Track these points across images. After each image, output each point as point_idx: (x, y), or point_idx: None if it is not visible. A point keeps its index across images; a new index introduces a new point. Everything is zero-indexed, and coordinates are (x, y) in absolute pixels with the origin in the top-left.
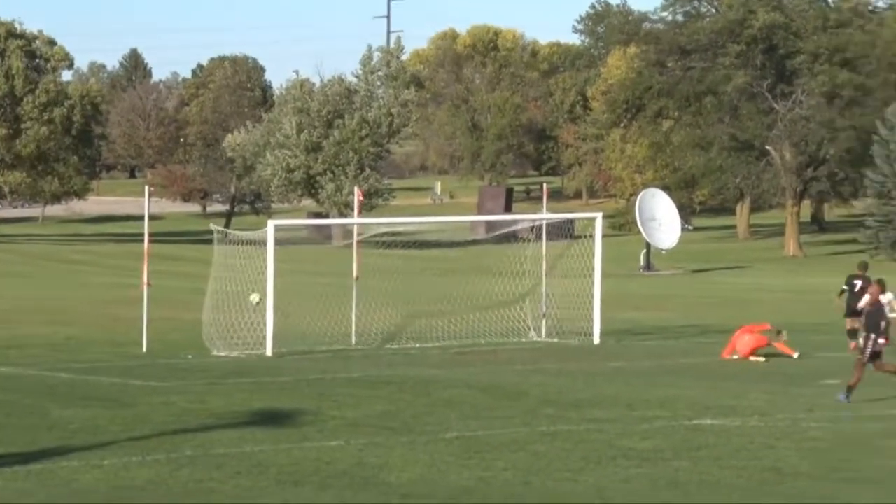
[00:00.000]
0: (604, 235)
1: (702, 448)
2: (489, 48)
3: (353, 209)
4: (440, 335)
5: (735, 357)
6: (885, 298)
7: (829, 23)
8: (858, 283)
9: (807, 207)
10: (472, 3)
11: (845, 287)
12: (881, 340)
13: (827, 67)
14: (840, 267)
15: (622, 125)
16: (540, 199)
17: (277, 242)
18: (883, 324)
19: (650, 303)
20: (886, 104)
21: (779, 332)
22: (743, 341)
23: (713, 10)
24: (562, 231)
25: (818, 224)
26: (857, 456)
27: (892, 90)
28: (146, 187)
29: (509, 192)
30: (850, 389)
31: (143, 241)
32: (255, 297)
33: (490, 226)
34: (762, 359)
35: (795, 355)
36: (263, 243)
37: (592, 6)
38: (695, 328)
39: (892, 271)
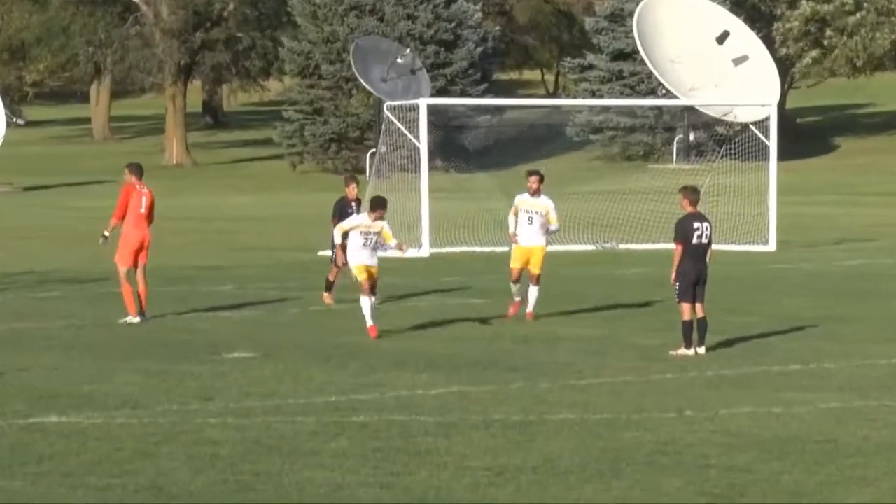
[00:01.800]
0: None
1: (44, 460)
2: None
3: None
4: None
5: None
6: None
7: None
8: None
9: (197, 91)
10: None
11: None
12: None
13: None
14: (248, 182)
15: None
16: None
17: None
18: None
19: None
20: None
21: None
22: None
23: None
24: None
25: (213, 116)
26: (276, 466)
27: None
28: None
29: None
30: None
31: None
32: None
33: None
34: (136, 319)
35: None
36: None
37: None
38: (32, 276)
39: (328, 186)
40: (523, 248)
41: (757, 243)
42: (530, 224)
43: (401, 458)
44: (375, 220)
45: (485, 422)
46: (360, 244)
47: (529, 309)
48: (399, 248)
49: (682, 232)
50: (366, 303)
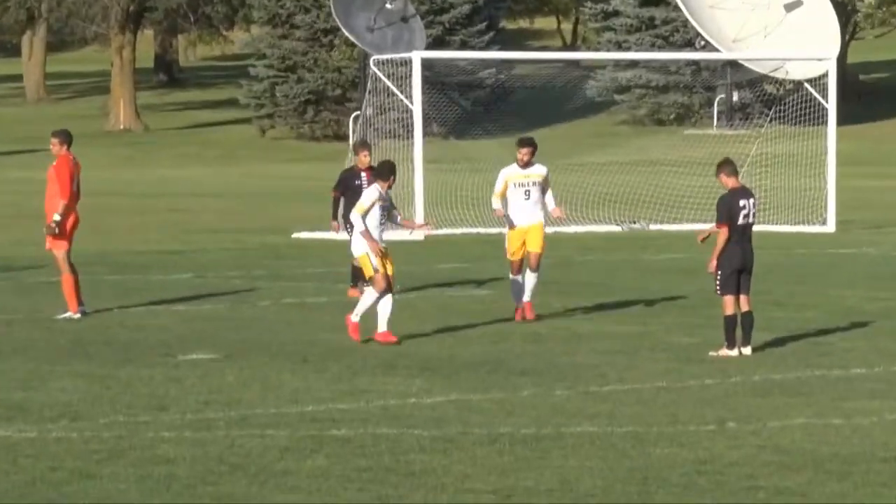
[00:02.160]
0: None
1: None
2: None
3: None
4: None
5: None
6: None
7: None
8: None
9: (148, 43)
10: None
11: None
12: None
13: None
14: (209, 150)
15: None
16: None
17: None
18: None
19: None
20: None
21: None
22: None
23: None
24: None
25: (167, 73)
26: (241, 488)
27: None
28: None
29: None
30: None
31: None
32: None
33: None
34: (77, 315)
35: None
36: None
37: None
38: None
39: (302, 156)
40: (521, 231)
41: (813, 223)
42: (527, 199)
43: (390, 478)
44: (387, 190)
45: (490, 436)
46: (378, 221)
47: (526, 298)
48: (412, 226)
49: (727, 211)
50: (371, 297)
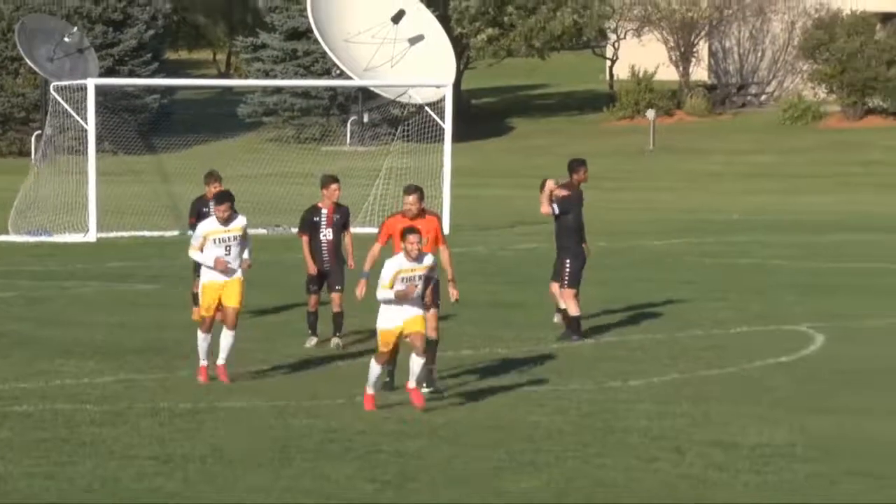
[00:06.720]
0: None
1: None
2: None
3: None
4: None
5: None
6: None
7: None
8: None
9: None
10: None
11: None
12: None
13: None
14: None
15: None
16: None
17: None
18: None
19: None
20: None
21: None
22: None
23: None
24: None
25: None
26: None
27: None
28: None
29: None
30: None
31: None
32: None
33: None
34: None
35: None
36: None
37: None
38: None
39: None
40: (215, 285)
41: None
42: (228, 253)
43: (66, 448)
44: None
45: (152, 410)
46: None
47: (221, 361)
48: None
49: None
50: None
